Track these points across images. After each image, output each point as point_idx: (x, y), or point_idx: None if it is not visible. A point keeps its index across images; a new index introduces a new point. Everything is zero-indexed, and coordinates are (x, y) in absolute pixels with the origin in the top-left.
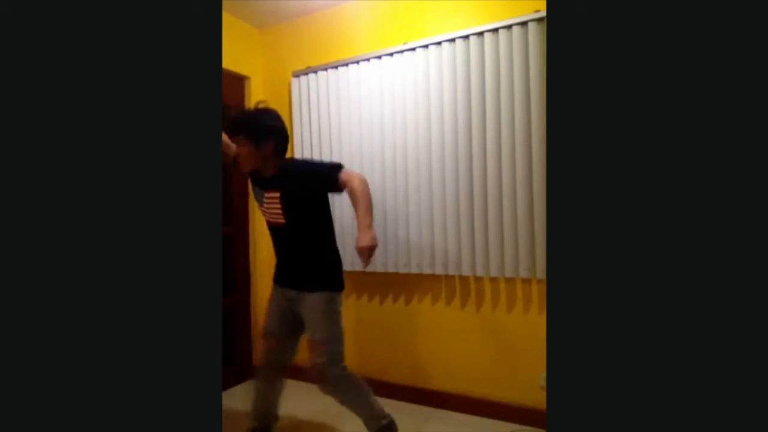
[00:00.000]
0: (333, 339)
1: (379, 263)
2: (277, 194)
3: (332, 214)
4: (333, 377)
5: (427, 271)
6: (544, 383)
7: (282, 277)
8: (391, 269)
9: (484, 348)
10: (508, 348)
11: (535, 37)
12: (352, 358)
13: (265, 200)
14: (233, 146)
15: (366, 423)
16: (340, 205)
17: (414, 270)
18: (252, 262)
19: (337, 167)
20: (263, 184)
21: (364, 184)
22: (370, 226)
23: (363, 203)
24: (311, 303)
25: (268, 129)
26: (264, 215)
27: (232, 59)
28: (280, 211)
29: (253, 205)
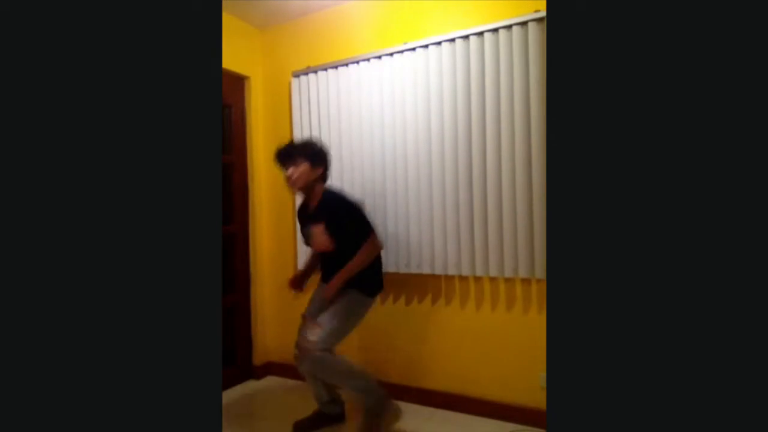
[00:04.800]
0: (337, 331)
1: None
2: (322, 225)
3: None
4: (314, 357)
5: (427, 271)
6: (544, 383)
7: (327, 276)
8: (391, 269)
9: (484, 348)
10: (508, 348)
11: (535, 37)
12: (353, 357)
13: (310, 233)
14: None
15: (356, 398)
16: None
17: (414, 270)
18: (252, 262)
19: (367, 231)
20: (308, 220)
21: (375, 253)
22: (340, 281)
23: (357, 264)
24: (342, 295)
25: (323, 152)
26: (314, 248)
27: (232, 59)
28: (325, 239)
29: (254, 205)
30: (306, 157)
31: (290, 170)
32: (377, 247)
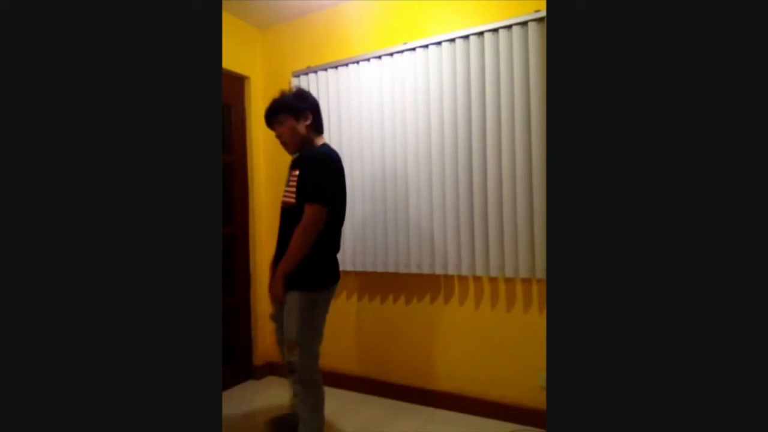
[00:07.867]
0: (307, 349)
1: (379, 263)
2: (297, 173)
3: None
4: (302, 380)
5: (427, 271)
6: (544, 383)
7: (277, 258)
8: (391, 269)
9: (484, 348)
10: (508, 348)
11: (535, 37)
12: (353, 358)
13: (290, 180)
14: None
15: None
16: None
17: (414, 270)
18: (252, 263)
19: (317, 196)
20: (293, 165)
21: (311, 230)
22: (281, 275)
23: (295, 247)
24: (288, 300)
25: (305, 99)
26: (283, 199)
27: (232, 59)
28: (294, 190)
29: (254, 205)
30: (287, 111)
31: (277, 131)
32: (317, 221)
